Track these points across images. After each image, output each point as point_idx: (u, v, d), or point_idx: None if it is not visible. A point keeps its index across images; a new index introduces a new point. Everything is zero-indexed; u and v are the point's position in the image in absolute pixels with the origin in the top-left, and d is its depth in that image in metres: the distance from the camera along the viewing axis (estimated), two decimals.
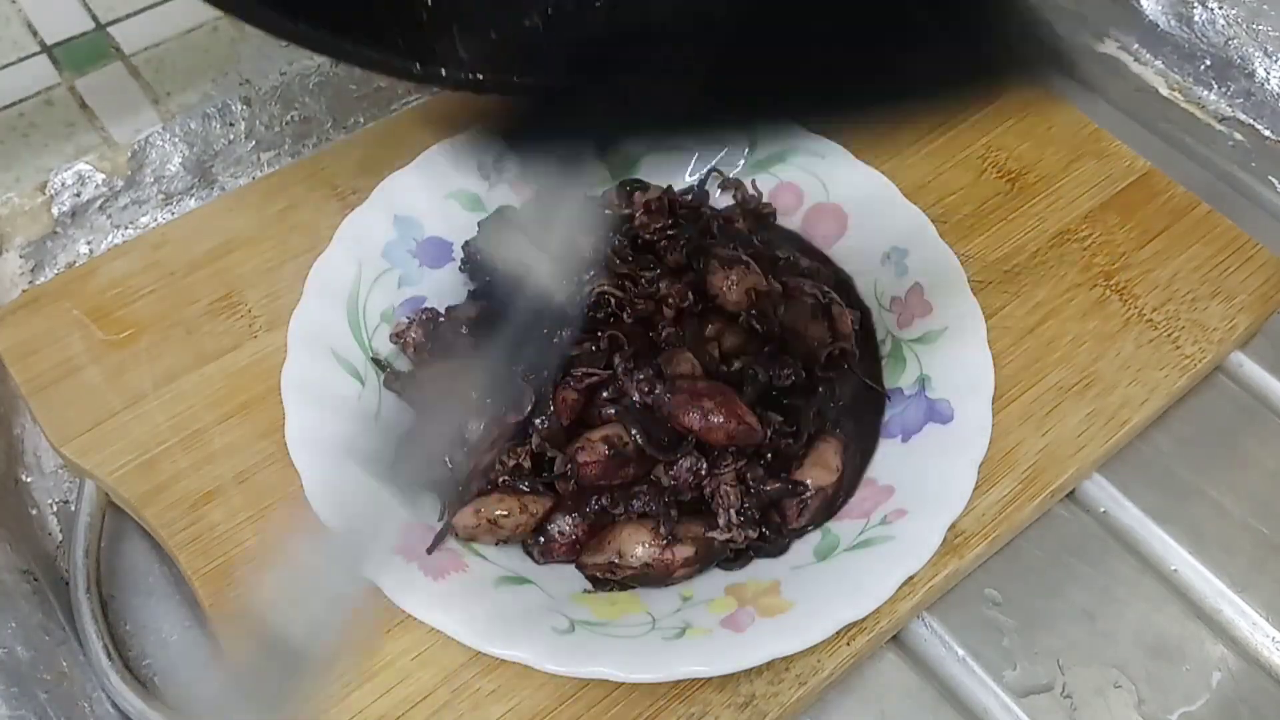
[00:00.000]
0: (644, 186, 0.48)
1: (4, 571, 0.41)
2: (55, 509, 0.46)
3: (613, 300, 0.42)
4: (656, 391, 0.40)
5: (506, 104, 0.38)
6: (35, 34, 0.53)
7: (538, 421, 0.39)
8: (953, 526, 0.38)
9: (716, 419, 0.39)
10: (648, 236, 0.45)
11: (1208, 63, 0.59)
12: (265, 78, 0.53)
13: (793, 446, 0.41)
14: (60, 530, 0.45)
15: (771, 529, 0.40)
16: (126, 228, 0.51)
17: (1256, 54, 0.57)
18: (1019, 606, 0.42)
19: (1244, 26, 0.57)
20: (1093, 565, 0.44)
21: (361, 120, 0.56)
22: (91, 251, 0.51)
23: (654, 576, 0.38)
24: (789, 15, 0.31)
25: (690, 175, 0.50)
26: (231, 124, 0.52)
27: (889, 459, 0.42)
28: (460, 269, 0.47)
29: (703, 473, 0.39)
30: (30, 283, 0.49)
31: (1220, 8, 0.58)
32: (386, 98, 0.56)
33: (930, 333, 0.44)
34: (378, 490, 0.39)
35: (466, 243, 0.46)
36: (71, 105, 0.51)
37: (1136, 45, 0.62)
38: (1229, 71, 0.59)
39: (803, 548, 0.40)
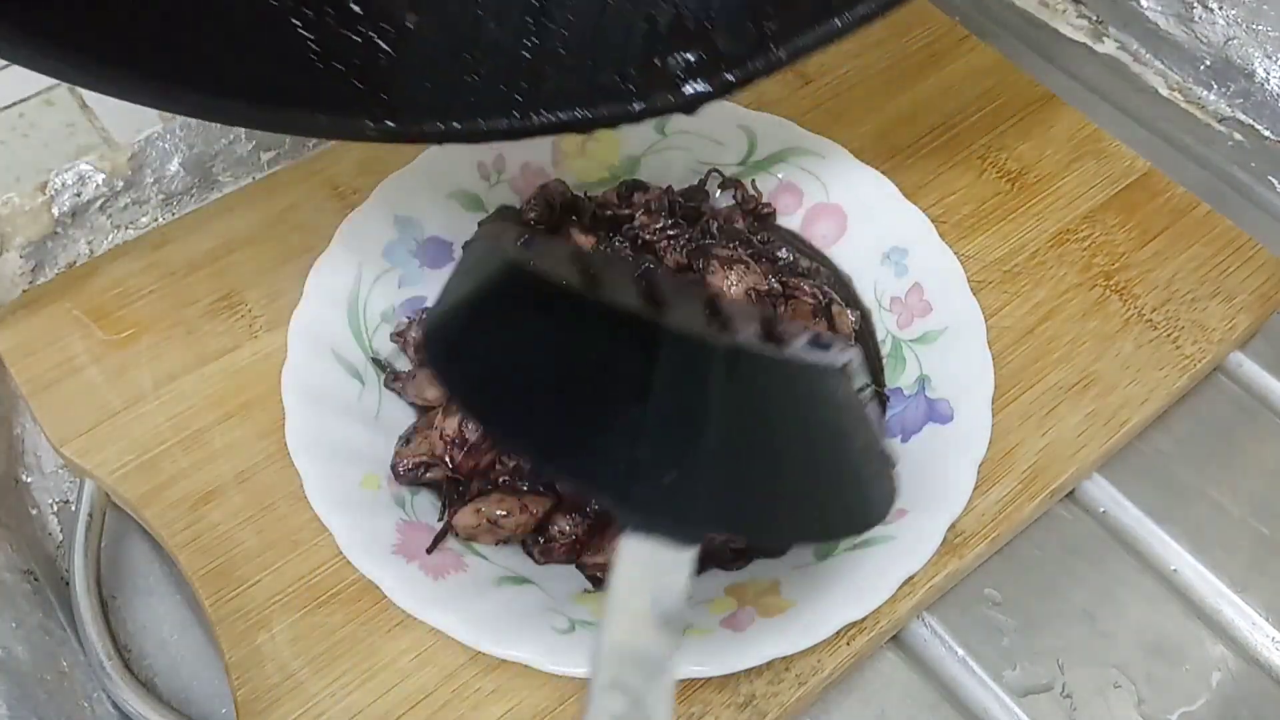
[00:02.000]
0: (644, 187, 0.48)
1: (4, 571, 0.41)
2: (55, 509, 0.46)
3: None
4: None
5: None
6: None
7: None
8: (953, 526, 0.38)
9: None
10: (648, 236, 0.45)
11: (1208, 63, 0.59)
12: None
13: None
14: (60, 530, 0.45)
15: None
16: (127, 228, 0.51)
17: (1256, 54, 0.57)
18: (1019, 606, 0.42)
19: (1244, 26, 0.57)
20: (1093, 565, 0.44)
21: None
22: (92, 251, 0.51)
23: None
24: None
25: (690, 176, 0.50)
26: None
27: None
28: None
29: None
30: (30, 283, 0.49)
31: (1220, 8, 0.58)
32: None
33: (930, 333, 0.44)
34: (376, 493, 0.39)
35: (466, 243, 0.46)
36: (71, 105, 0.51)
37: (1136, 45, 0.62)
38: (1229, 71, 0.59)
39: (803, 548, 0.40)
